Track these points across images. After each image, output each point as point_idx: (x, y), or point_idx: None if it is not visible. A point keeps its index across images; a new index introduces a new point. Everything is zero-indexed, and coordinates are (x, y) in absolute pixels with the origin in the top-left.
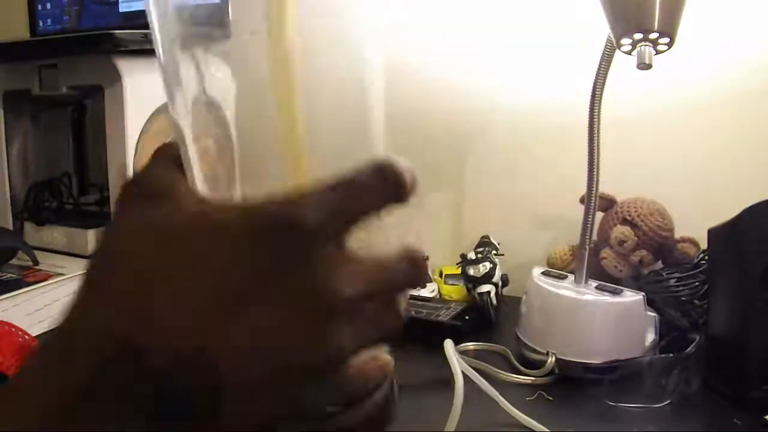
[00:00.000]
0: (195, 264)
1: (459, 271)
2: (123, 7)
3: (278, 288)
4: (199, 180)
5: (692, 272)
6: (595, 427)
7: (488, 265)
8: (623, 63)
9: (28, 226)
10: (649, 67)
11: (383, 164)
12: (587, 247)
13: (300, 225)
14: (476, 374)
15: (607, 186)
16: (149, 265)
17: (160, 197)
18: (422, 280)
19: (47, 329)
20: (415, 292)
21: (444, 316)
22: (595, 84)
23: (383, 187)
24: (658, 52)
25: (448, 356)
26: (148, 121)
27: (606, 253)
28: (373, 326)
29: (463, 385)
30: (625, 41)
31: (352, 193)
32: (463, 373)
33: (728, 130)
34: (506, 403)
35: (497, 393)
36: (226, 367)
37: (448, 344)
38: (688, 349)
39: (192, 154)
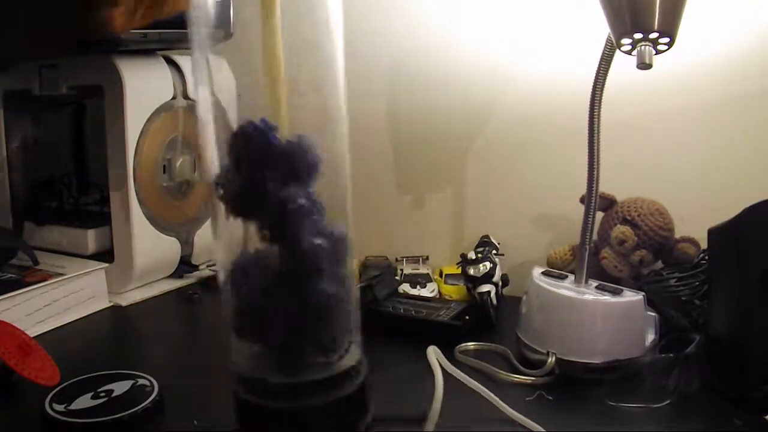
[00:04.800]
0: None
1: (459, 271)
2: None
3: None
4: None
5: (692, 272)
6: (595, 427)
7: (488, 265)
8: (623, 63)
9: (28, 226)
10: (649, 67)
11: None
12: (587, 247)
13: None
14: (467, 378)
15: (607, 186)
16: None
17: None
18: None
19: (47, 329)
20: (415, 292)
21: (444, 316)
22: (595, 84)
23: None
24: (658, 52)
25: (431, 363)
26: (148, 121)
27: (606, 253)
28: None
29: (442, 391)
30: (625, 41)
31: None
32: (465, 373)
33: (728, 130)
34: (499, 401)
35: (491, 394)
36: None
37: (431, 351)
38: (688, 349)
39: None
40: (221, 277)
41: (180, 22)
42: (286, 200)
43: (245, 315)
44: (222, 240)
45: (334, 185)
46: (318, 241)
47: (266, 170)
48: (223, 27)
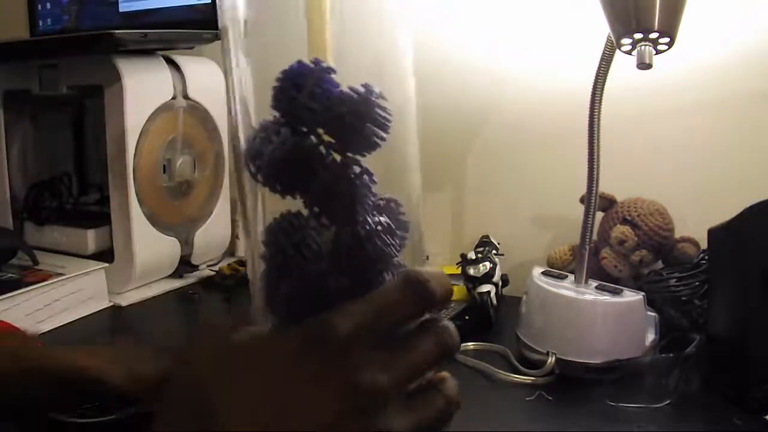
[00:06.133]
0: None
1: (459, 271)
2: (123, 7)
3: (325, 388)
4: None
5: (692, 272)
6: (595, 427)
7: (488, 265)
8: (623, 63)
9: (28, 226)
10: (649, 67)
11: (409, 278)
12: (587, 247)
13: (332, 339)
14: None
15: (607, 186)
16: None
17: None
18: (453, 350)
19: (47, 329)
20: None
21: (444, 316)
22: (595, 84)
23: (411, 299)
24: (658, 52)
25: None
26: (148, 121)
27: (606, 253)
28: (421, 407)
29: None
30: (625, 41)
31: (381, 307)
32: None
33: (728, 130)
34: None
35: None
36: None
37: None
38: (688, 349)
39: None
40: (249, 267)
41: (180, 22)
42: (345, 169)
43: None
44: (250, 218)
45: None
46: (379, 219)
47: (320, 128)
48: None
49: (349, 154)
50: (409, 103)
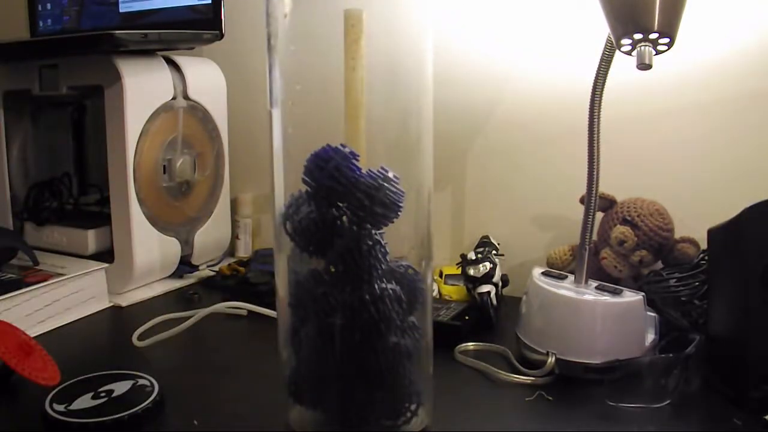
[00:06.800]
0: None
1: (459, 271)
2: (123, 7)
3: None
4: None
5: (692, 272)
6: (595, 427)
7: (488, 265)
8: (623, 63)
9: (28, 226)
10: (649, 67)
11: None
12: (587, 247)
13: None
14: None
15: (607, 186)
16: None
17: None
18: None
19: (47, 329)
20: None
21: (444, 316)
22: (595, 84)
23: None
24: (658, 52)
25: None
26: (148, 121)
27: (606, 253)
28: None
29: None
30: (625, 41)
31: None
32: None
33: (728, 130)
34: None
35: None
36: None
37: None
38: (688, 349)
39: None
40: (281, 336)
41: (180, 22)
42: (359, 241)
43: (302, 379)
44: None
45: (413, 223)
46: (390, 286)
47: (344, 203)
48: (210, 28)
49: (367, 226)
50: (425, 106)
